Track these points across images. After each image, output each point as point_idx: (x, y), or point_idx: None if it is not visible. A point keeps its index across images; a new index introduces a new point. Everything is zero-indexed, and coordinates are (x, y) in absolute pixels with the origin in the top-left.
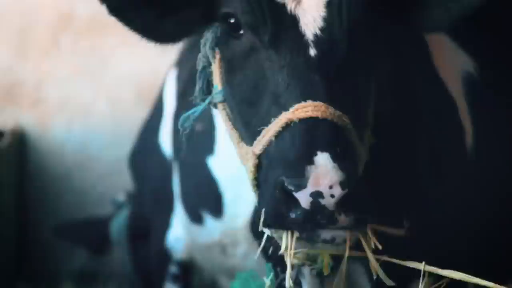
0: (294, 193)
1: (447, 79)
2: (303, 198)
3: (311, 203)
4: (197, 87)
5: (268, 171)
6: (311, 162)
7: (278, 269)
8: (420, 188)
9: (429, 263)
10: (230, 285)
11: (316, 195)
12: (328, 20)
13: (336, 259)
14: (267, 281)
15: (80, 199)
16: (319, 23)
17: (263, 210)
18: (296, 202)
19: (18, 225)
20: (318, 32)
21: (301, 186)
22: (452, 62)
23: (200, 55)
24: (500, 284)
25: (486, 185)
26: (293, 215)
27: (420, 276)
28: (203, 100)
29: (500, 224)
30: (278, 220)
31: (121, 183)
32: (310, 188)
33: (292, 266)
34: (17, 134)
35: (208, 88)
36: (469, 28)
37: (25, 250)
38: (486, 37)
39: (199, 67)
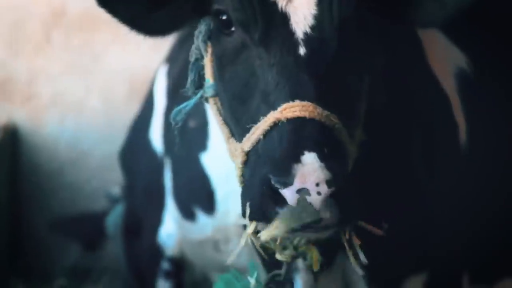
0: (280, 190)
1: (440, 75)
2: (289, 195)
3: (298, 199)
4: (189, 80)
5: (255, 168)
6: (298, 160)
7: (266, 268)
8: (414, 184)
9: (423, 257)
10: (213, 286)
11: (303, 192)
12: (319, 18)
13: (326, 256)
14: (252, 281)
15: (73, 194)
16: (310, 21)
17: (248, 204)
18: (282, 199)
19: (11, 220)
20: (309, 30)
21: (287, 184)
22: (445, 58)
23: (193, 47)
24: (495, 280)
25: (479, 181)
26: (279, 211)
27: (418, 272)
28: (195, 93)
29: (494, 219)
30: (264, 215)
31: (114, 178)
32: (296, 185)
33: (281, 264)
34: (10, 130)
35: (199, 81)
36: (462, 24)
37: (18, 246)
38: (479, 32)
39: (192, 59)
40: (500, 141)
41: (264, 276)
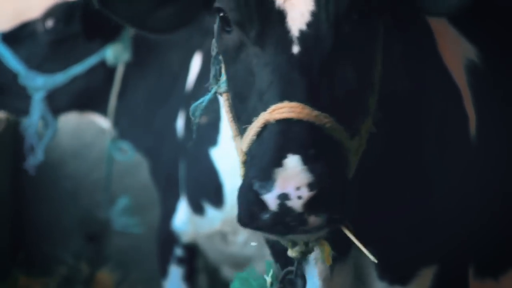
0: (261, 196)
1: (451, 67)
2: (270, 200)
3: (278, 205)
4: (211, 74)
5: (247, 170)
6: (279, 164)
7: (278, 264)
8: (425, 176)
9: (434, 249)
10: (230, 285)
11: (283, 197)
12: (316, 15)
13: (340, 248)
14: (268, 279)
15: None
16: (307, 17)
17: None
18: (265, 204)
19: (13, 211)
20: (304, 27)
21: (267, 189)
22: (455, 50)
23: (213, 41)
24: (500, 272)
25: (488, 174)
26: (263, 217)
27: (428, 264)
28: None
29: (502, 212)
30: (252, 222)
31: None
32: (276, 190)
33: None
34: (11, 121)
35: (221, 75)
36: (471, 15)
37: (20, 237)
38: (488, 24)
39: (213, 52)
40: (508, 134)
41: (277, 272)
